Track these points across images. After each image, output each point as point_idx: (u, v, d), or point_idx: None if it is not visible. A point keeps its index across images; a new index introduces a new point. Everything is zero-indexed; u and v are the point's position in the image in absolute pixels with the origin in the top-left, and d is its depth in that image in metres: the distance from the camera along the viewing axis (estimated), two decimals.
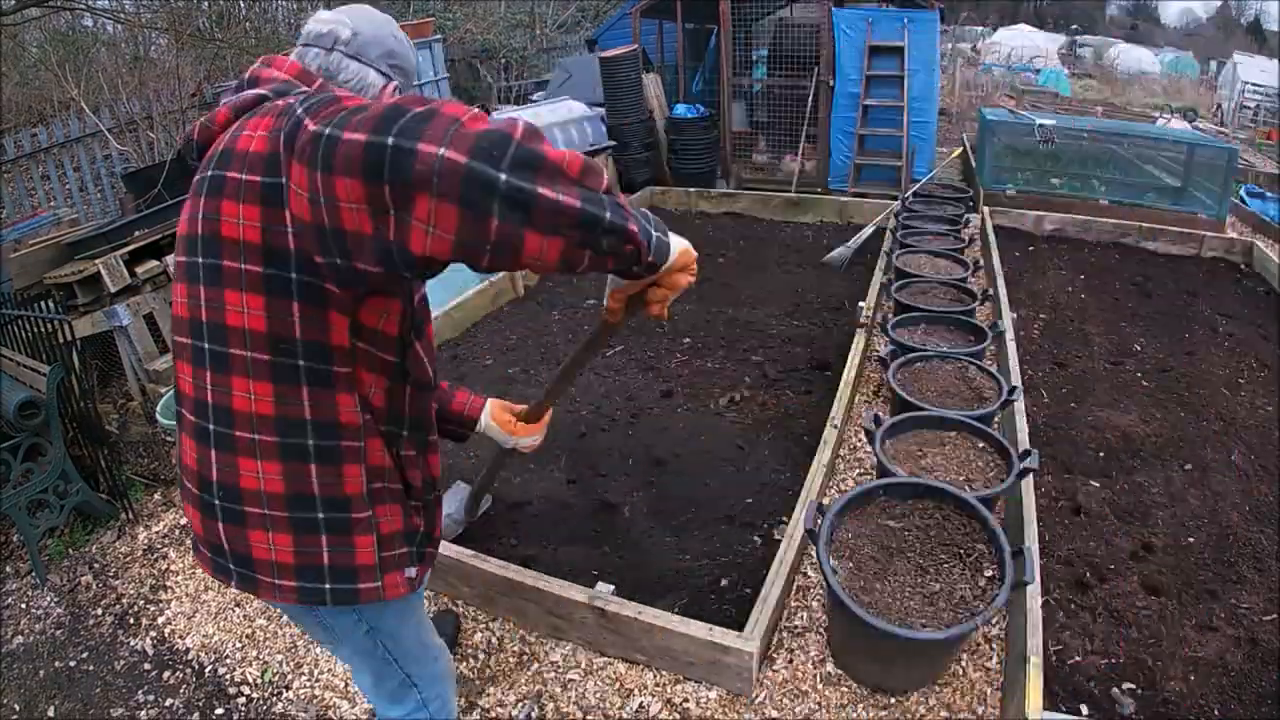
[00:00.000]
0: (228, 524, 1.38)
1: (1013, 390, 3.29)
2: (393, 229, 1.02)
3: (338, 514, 1.39)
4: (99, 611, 3.09)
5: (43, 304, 3.98)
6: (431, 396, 1.50)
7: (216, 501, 1.38)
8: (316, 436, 1.33)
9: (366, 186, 1.00)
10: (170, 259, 4.18)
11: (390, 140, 0.98)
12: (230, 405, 1.31)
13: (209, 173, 1.30)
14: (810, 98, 7.67)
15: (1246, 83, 15.06)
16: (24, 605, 3.15)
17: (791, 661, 2.57)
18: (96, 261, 4.09)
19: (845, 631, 2.47)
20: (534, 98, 9.20)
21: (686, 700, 2.47)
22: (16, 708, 2.69)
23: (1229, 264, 5.80)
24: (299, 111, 1.11)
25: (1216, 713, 2.25)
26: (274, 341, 1.27)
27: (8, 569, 3.34)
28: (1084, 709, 2.26)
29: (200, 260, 1.29)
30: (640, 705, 2.47)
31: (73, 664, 2.85)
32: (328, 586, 1.41)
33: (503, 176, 0.97)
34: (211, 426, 1.34)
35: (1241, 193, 7.59)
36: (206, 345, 1.31)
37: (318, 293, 1.24)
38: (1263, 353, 4.37)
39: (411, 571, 1.54)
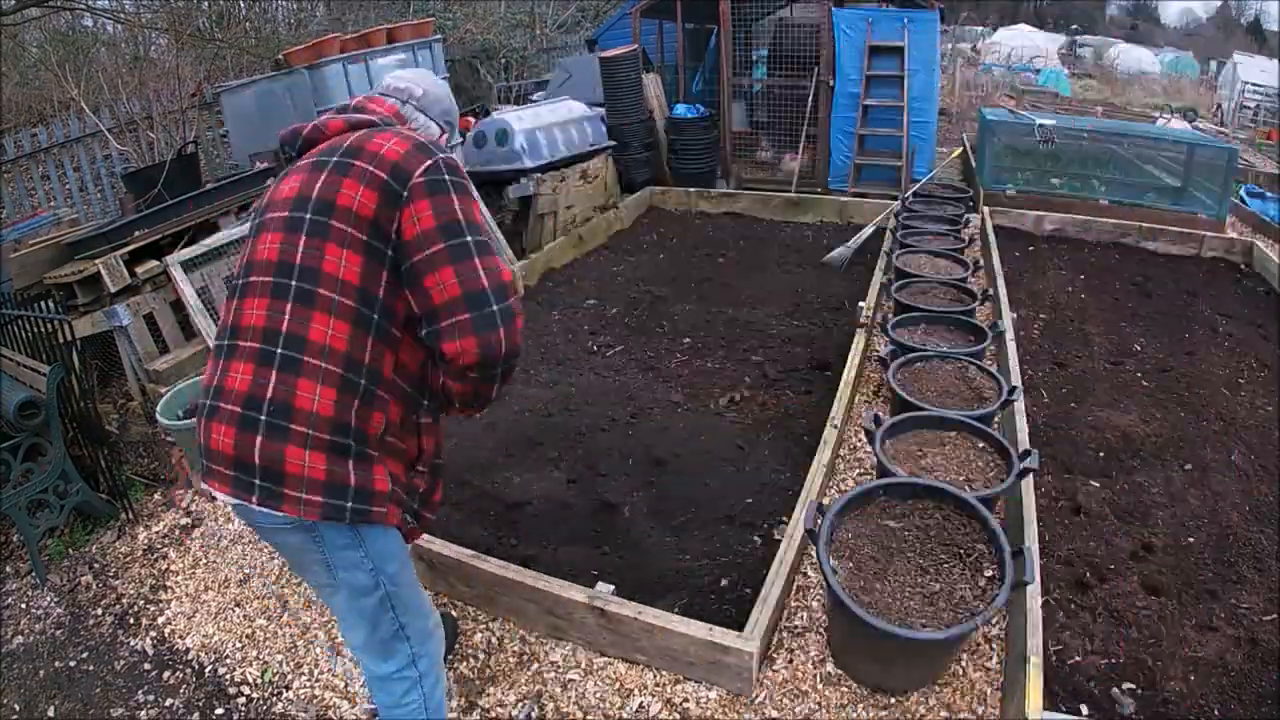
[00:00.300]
0: (267, 438, 1.55)
1: (1013, 390, 3.29)
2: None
3: (364, 447, 1.62)
4: (99, 611, 3.09)
5: (43, 304, 3.98)
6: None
7: (263, 417, 1.55)
8: (367, 379, 1.61)
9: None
10: (170, 258, 4.18)
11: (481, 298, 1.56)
12: (306, 335, 1.56)
13: (334, 159, 1.63)
14: (810, 98, 7.67)
15: (1246, 83, 15.03)
16: (24, 605, 3.14)
17: (791, 661, 2.57)
18: (96, 261, 4.10)
19: (845, 631, 2.47)
20: (534, 98, 9.18)
21: (686, 700, 2.47)
22: (16, 708, 2.69)
23: (1229, 264, 5.80)
24: (444, 175, 1.61)
25: (1216, 713, 2.25)
26: (361, 293, 1.58)
27: (8, 569, 3.34)
28: (1084, 709, 2.26)
29: (308, 216, 1.59)
30: (640, 705, 2.47)
31: (73, 664, 2.85)
32: (349, 505, 1.60)
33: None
34: (280, 350, 1.56)
35: (1241, 193, 7.58)
36: (294, 283, 1.57)
37: (399, 268, 1.60)
38: (1263, 353, 4.37)
39: (408, 518, 1.81)
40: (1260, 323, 4.78)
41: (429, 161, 1.60)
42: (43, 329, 3.59)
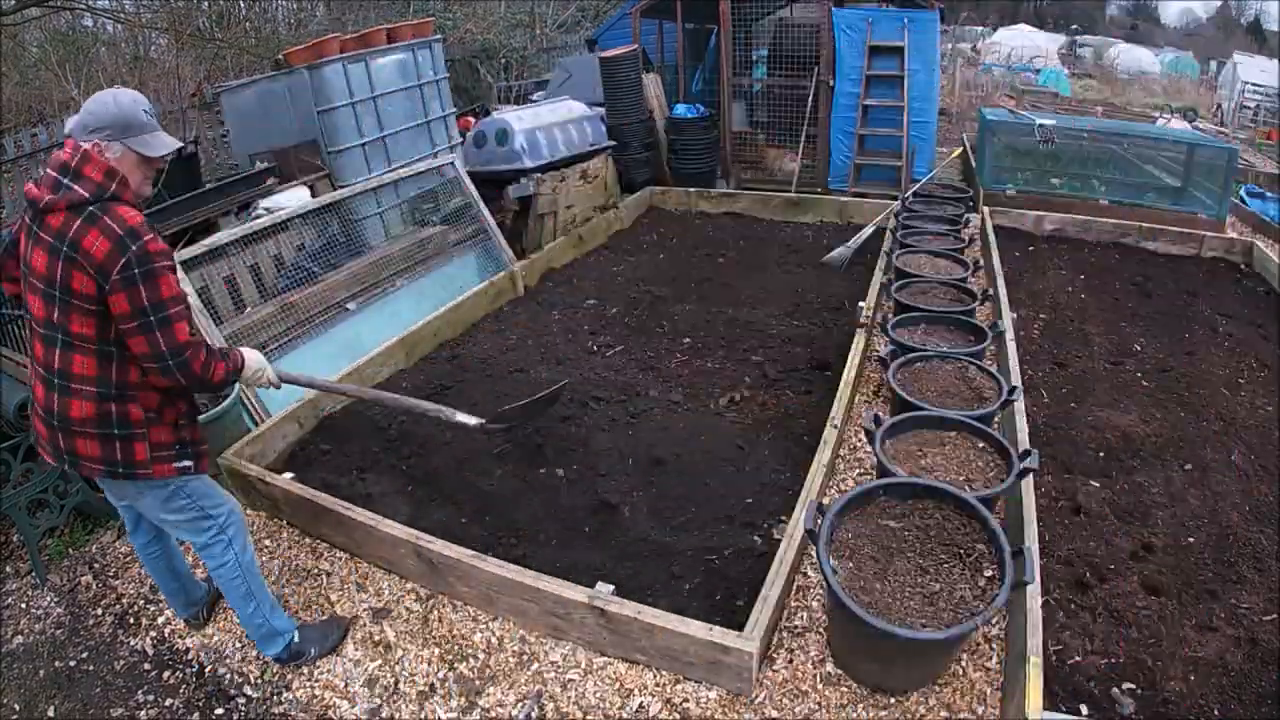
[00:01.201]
0: (62, 434, 2.27)
1: (1013, 390, 3.29)
2: None
3: (125, 431, 2.27)
4: (99, 611, 3.09)
5: None
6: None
7: (56, 423, 2.26)
8: (117, 389, 2.24)
9: None
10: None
11: None
12: (70, 369, 2.21)
13: (64, 249, 2.13)
14: (810, 98, 7.67)
15: (1246, 83, 15.03)
16: (24, 605, 3.14)
17: (791, 661, 2.58)
18: None
19: (845, 631, 2.47)
20: (534, 97, 9.19)
21: (686, 700, 2.47)
22: (16, 707, 2.69)
23: (1229, 264, 5.80)
24: (134, 270, 2.11)
25: (1216, 713, 2.25)
26: (100, 339, 2.18)
27: (8, 569, 3.34)
28: (1084, 709, 2.26)
29: (57, 294, 2.14)
30: (640, 705, 2.47)
31: (73, 664, 2.85)
32: (120, 470, 2.30)
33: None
34: (56, 380, 2.22)
35: (1241, 193, 7.58)
36: (59, 335, 2.18)
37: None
38: (1263, 353, 4.36)
39: (186, 463, 2.41)
40: (1260, 323, 4.78)
41: (123, 260, 2.07)
42: None
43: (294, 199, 4.99)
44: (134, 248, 2.07)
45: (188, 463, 2.41)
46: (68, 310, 2.15)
